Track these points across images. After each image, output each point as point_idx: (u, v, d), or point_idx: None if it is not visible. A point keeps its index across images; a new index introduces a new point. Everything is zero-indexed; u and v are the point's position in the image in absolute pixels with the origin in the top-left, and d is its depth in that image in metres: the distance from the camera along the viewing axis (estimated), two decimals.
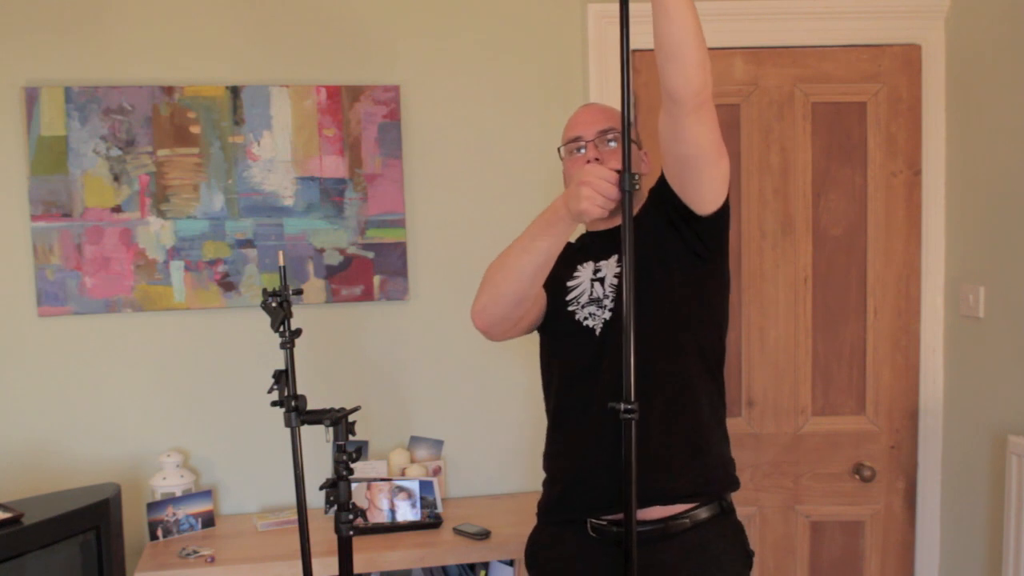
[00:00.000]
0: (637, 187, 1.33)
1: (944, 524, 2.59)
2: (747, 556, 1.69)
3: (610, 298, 1.65)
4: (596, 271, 1.69)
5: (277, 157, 2.44)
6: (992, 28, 2.32)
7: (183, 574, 2.09)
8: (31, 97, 2.32)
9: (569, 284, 1.71)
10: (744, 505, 2.62)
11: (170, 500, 2.32)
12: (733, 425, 2.58)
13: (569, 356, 1.69)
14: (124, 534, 2.16)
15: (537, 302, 1.69)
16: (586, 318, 1.66)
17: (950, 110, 2.50)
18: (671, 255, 1.63)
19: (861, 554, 2.63)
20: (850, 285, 2.58)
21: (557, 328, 1.72)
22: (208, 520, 2.37)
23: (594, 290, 1.67)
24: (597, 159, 1.65)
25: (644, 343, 1.52)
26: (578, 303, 1.68)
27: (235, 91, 2.41)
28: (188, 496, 2.35)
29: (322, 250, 2.48)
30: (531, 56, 2.55)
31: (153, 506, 2.31)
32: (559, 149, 1.77)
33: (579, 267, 1.72)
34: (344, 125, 2.46)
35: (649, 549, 1.57)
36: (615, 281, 1.65)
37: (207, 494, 2.38)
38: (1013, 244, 2.25)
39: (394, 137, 2.49)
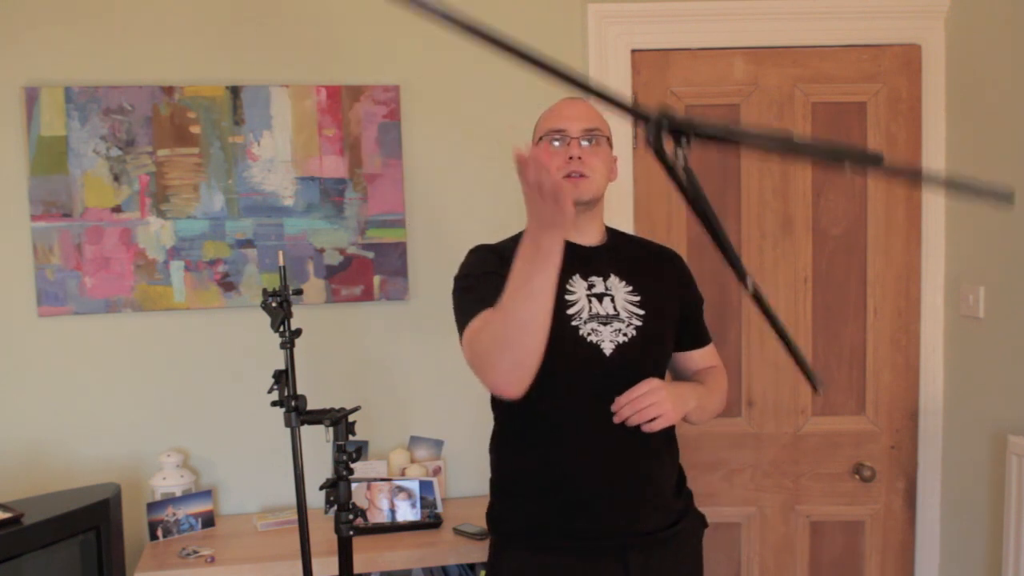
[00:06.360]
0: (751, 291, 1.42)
1: (944, 524, 2.59)
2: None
3: (626, 321, 1.65)
4: (590, 287, 1.68)
5: (277, 157, 2.44)
6: (992, 28, 2.32)
7: (183, 574, 2.09)
8: (31, 97, 2.32)
9: (567, 298, 1.65)
10: (744, 505, 2.62)
11: (170, 500, 2.32)
12: (733, 425, 2.60)
13: (570, 371, 1.62)
14: (124, 534, 2.15)
15: None
16: (589, 334, 1.64)
17: (950, 110, 2.50)
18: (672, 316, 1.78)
19: (861, 554, 2.63)
20: (850, 285, 2.58)
21: (555, 343, 1.49)
22: (208, 520, 2.37)
23: (593, 306, 1.65)
24: (580, 157, 1.65)
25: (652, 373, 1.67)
26: (580, 318, 1.64)
27: (235, 91, 2.41)
28: (188, 496, 2.35)
29: (322, 250, 2.48)
30: None
31: (153, 506, 2.31)
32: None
33: (569, 280, 1.67)
34: (344, 125, 2.46)
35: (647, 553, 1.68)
36: (629, 305, 1.67)
37: (207, 494, 2.38)
38: (1013, 244, 2.24)
39: (394, 137, 2.49)
